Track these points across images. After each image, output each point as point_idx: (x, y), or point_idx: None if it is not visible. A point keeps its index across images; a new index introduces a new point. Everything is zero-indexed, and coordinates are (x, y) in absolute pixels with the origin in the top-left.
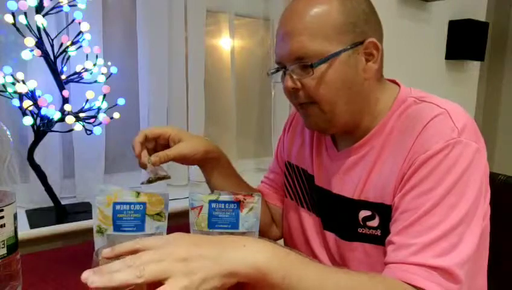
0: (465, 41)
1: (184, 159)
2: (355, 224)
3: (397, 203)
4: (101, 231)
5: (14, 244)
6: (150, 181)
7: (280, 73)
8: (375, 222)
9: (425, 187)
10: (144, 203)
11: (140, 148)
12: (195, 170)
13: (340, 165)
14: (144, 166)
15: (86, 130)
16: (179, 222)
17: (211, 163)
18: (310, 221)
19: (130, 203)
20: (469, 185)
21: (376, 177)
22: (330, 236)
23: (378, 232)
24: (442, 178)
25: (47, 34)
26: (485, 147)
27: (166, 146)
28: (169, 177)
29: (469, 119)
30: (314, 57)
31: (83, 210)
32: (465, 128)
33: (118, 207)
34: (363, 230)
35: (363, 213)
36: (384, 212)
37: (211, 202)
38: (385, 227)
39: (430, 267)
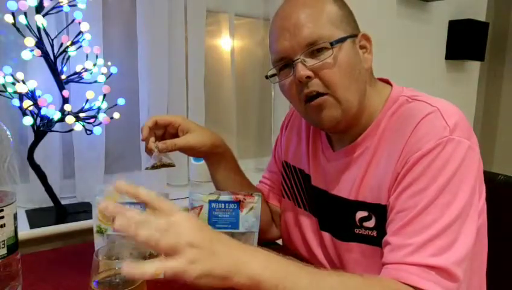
0: (465, 41)
1: (190, 150)
2: (351, 224)
3: (392, 204)
4: (101, 231)
5: (14, 244)
6: (154, 167)
7: (284, 72)
8: (371, 223)
9: (419, 186)
10: (143, 204)
11: (148, 132)
12: (195, 170)
13: (336, 165)
14: (150, 151)
15: (86, 130)
16: None
17: (217, 157)
18: (307, 221)
19: (130, 204)
20: (463, 183)
21: (371, 178)
22: (327, 236)
23: (374, 233)
24: (436, 177)
25: (47, 34)
26: (477, 143)
27: (175, 135)
28: (173, 166)
29: (461, 116)
30: (326, 39)
31: (83, 210)
32: (457, 126)
33: None
34: (359, 231)
35: (360, 214)
36: (380, 212)
37: (211, 202)
38: (381, 228)
39: (427, 267)
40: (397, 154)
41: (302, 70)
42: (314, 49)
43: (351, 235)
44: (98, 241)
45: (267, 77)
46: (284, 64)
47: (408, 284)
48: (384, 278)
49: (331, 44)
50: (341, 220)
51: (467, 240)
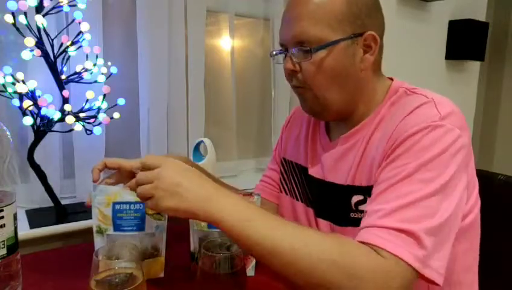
0: (465, 41)
1: None
2: (347, 209)
3: (375, 178)
4: (101, 231)
5: (14, 244)
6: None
7: (282, 56)
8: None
9: (402, 162)
10: (144, 203)
11: (98, 175)
12: None
13: (333, 153)
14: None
15: (86, 130)
16: (179, 222)
17: None
18: (302, 212)
19: (129, 203)
20: (448, 166)
21: (365, 162)
22: (324, 224)
23: None
24: (419, 155)
25: (47, 34)
26: (470, 138)
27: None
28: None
29: (456, 110)
30: (314, 42)
31: (83, 210)
32: (449, 116)
33: (117, 207)
34: (355, 215)
35: (356, 198)
36: None
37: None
38: None
39: (394, 229)
40: (387, 138)
41: (288, 64)
42: (301, 49)
43: (347, 220)
44: (98, 241)
45: (271, 55)
46: (284, 50)
47: (371, 244)
48: (345, 237)
49: (314, 49)
50: (337, 206)
51: (444, 213)
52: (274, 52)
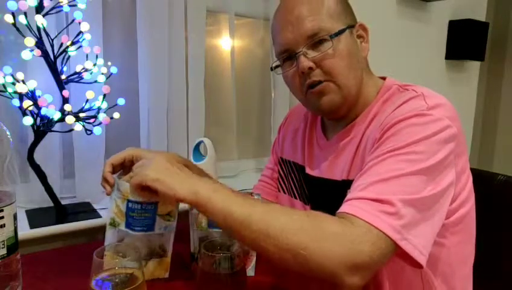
0: (465, 41)
1: None
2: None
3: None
4: (114, 224)
5: (14, 245)
6: None
7: (279, 69)
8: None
9: (388, 145)
10: (155, 203)
11: (112, 179)
12: None
13: (329, 152)
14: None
15: (86, 130)
16: (179, 222)
17: None
18: (300, 209)
19: (141, 203)
20: (435, 151)
21: (359, 157)
22: None
23: None
24: (405, 137)
25: (47, 34)
26: (461, 132)
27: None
28: None
29: (445, 102)
30: (326, 32)
31: (83, 210)
32: (437, 107)
33: (130, 205)
34: None
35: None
36: None
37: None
38: None
39: (369, 199)
40: (377, 129)
41: (305, 62)
42: (315, 41)
43: None
44: (109, 235)
45: (271, 69)
46: (288, 56)
47: (345, 213)
48: (317, 212)
49: (331, 36)
50: (334, 202)
51: (425, 195)
52: (274, 65)
